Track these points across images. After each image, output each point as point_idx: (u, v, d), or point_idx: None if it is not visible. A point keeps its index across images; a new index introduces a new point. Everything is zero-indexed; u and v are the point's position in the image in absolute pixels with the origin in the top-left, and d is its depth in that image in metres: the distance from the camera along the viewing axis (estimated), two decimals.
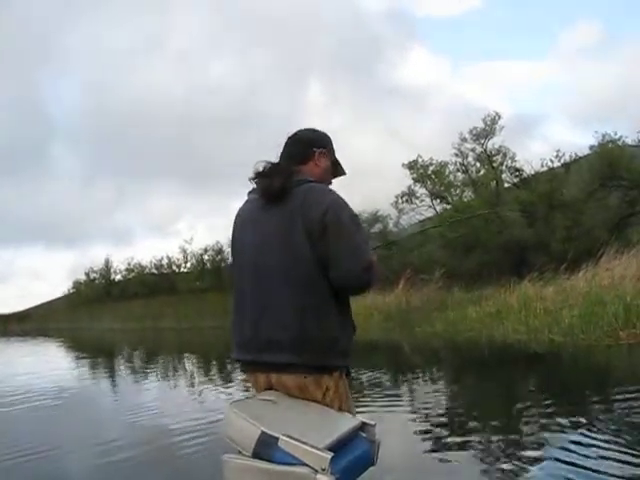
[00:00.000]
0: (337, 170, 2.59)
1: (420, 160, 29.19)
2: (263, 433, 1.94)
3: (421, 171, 29.05)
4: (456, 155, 28.65)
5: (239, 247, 2.38)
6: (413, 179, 29.49)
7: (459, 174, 29.40)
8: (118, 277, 46.49)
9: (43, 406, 8.35)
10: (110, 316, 38.79)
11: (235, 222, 2.46)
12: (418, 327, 17.25)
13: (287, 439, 1.91)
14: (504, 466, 4.35)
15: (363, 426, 2.11)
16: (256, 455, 1.93)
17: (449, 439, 5.36)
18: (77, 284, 47.82)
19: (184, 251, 40.45)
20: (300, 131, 2.52)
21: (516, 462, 4.41)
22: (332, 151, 2.55)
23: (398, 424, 6.16)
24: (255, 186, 2.40)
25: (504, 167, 27.57)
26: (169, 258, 43.29)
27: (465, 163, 28.84)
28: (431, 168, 29.05)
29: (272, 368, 2.25)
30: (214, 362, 14.45)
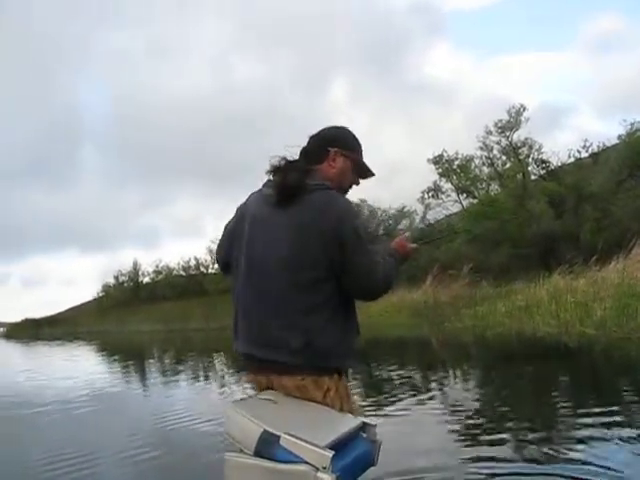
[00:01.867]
0: (363, 172, 2.51)
1: (445, 155, 29.07)
2: (265, 431, 1.95)
3: (446, 166, 28.94)
4: (481, 149, 28.47)
5: (248, 242, 2.29)
6: (439, 174, 29.41)
7: (485, 168, 29.24)
8: (146, 279, 47.00)
9: (85, 410, 8.39)
10: (139, 318, 39.15)
11: (243, 213, 2.39)
12: (447, 323, 17.15)
13: (289, 437, 1.91)
14: (538, 466, 4.26)
15: (364, 426, 2.08)
16: (258, 453, 1.94)
17: (480, 436, 5.27)
18: (106, 287, 48.38)
19: (211, 252, 40.59)
20: (323, 129, 2.45)
21: (550, 461, 4.31)
22: (356, 152, 2.45)
23: (428, 420, 6.08)
24: (270, 180, 2.36)
25: (530, 159, 27.35)
26: (197, 259, 43.61)
27: (491, 156, 28.63)
28: (456, 162, 28.93)
29: (273, 369, 2.22)
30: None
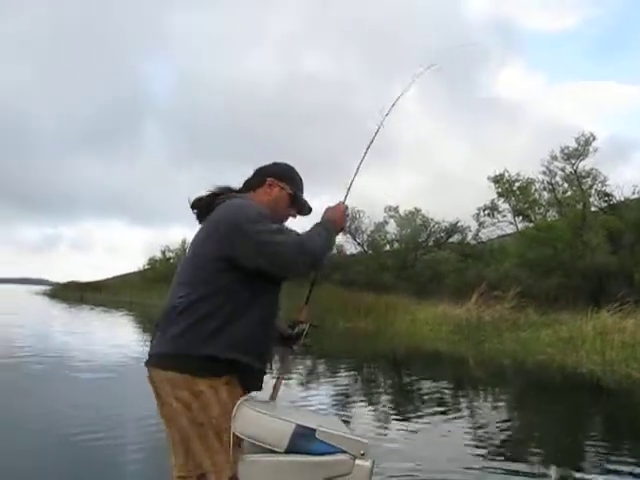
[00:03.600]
0: (300, 206, 2.59)
1: (506, 174, 28.70)
2: (298, 426, 1.96)
3: (506, 186, 28.57)
4: (544, 173, 27.99)
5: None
6: (497, 193, 29.05)
7: (545, 193, 28.74)
8: None
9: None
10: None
11: None
12: (487, 343, 16.97)
13: (324, 429, 1.95)
14: None
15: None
16: (291, 450, 1.95)
17: (503, 457, 5.24)
18: (152, 261, 49.06)
19: None
20: (265, 164, 2.59)
21: None
22: (294, 185, 2.55)
23: (450, 439, 6.06)
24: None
25: (593, 190, 26.78)
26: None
27: (552, 182, 28.14)
28: (517, 184, 28.55)
29: (153, 362, 2.25)
30: None
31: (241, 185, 2.56)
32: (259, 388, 2.31)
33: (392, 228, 35.35)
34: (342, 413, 7.06)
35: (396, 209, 34.96)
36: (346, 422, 2.07)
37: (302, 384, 9.17)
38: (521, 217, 29.03)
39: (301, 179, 2.60)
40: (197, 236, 2.37)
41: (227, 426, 2.08)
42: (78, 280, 55.07)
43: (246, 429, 2.01)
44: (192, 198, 2.47)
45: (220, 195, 2.43)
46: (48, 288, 60.83)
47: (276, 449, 1.96)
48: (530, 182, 28.54)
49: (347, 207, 2.54)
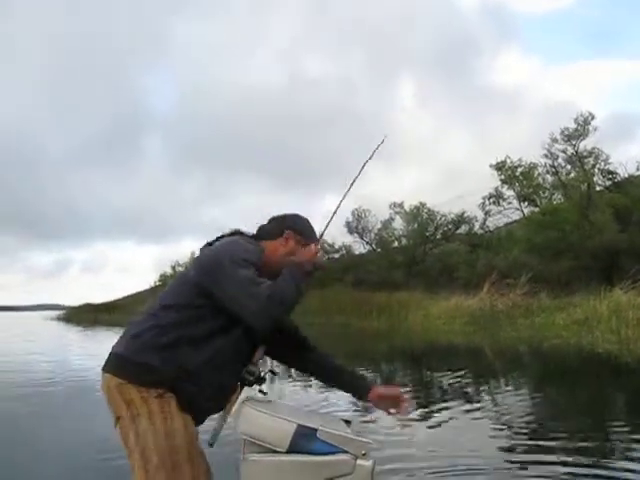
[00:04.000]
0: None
1: (508, 161, 28.63)
2: (300, 426, 1.96)
3: (509, 172, 28.49)
4: (546, 156, 27.94)
5: None
6: (501, 180, 28.97)
7: (548, 176, 28.68)
8: None
9: None
10: None
11: None
12: (502, 332, 16.92)
13: (326, 429, 1.96)
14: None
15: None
16: (292, 449, 1.95)
17: (526, 446, 5.20)
18: (163, 277, 49.16)
19: None
20: (286, 214, 2.55)
21: (596, 475, 4.24)
22: (310, 241, 2.45)
23: (474, 427, 6.03)
24: None
25: (596, 170, 26.71)
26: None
27: (555, 165, 28.07)
28: (520, 169, 28.47)
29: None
30: None
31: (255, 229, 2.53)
32: (199, 422, 2.21)
33: (399, 224, 35.37)
34: (363, 411, 7.05)
35: (401, 205, 34.97)
36: (346, 422, 2.04)
37: (321, 385, 9.15)
38: (527, 202, 28.95)
39: (315, 232, 2.54)
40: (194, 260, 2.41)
41: (155, 446, 2.00)
42: (91, 302, 55.28)
43: (248, 429, 2.01)
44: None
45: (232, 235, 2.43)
46: (62, 312, 61.02)
47: (277, 449, 1.96)
48: (533, 167, 28.47)
49: (319, 249, 2.46)
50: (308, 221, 2.56)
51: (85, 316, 47.89)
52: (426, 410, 7.17)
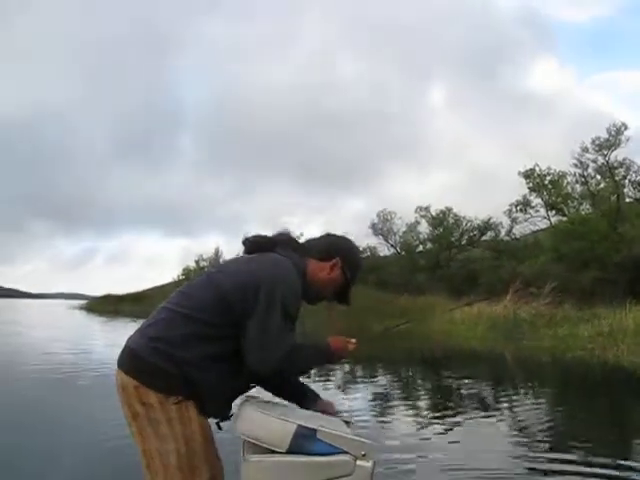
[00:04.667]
0: (344, 297, 2.44)
1: (537, 169, 28.41)
2: (300, 427, 1.96)
3: (538, 180, 28.26)
4: (575, 166, 27.68)
5: None
6: (529, 188, 28.76)
7: (577, 186, 28.39)
8: None
9: None
10: None
11: None
12: (525, 340, 16.82)
13: (326, 430, 1.96)
14: None
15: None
16: (292, 450, 1.95)
17: (544, 460, 5.17)
18: (186, 271, 49.33)
19: None
20: (342, 237, 2.47)
21: None
22: (354, 274, 2.39)
23: (493, 436, 6.03)
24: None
25: (627, 181, 26.41)
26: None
27: (585, 174, 27.80)
28: (548, 178, 28.23)
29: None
30: None
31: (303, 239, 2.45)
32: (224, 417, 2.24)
33: (424, 228, 35.28)
34: (383, 414, 7.09)
35: (427, 209, 34.88)
36: (347, 423, 2.05)
37: (341, 388, 9.20)
38: (554, 211, 28.70)
39: (361, 268, 2.45)
40: (232, 263, 2.34)
41: (175, 450, 2.02)
42: (114, 293, 55.55)
43: (248, 429, 2.00)
44: (250, 233, 2.37)
45: (278, 240, 2.33)
46: (85, 302, 61.51)
47: (277, 449, 1.96)
48: (562, 175, 28.22)
49: (355, 344, 2.35)
50: (360, 255, 2.49)
51: (107, 307, 48.21)
52: (444, 416, 7.18)
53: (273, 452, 1.97)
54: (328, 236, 2.44)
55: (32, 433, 5.70)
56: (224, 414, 2.21)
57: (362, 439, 1.96)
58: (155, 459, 2.04)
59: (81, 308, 53.24)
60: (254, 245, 2.32)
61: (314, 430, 1.95)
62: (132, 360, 2.10)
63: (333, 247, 2.36)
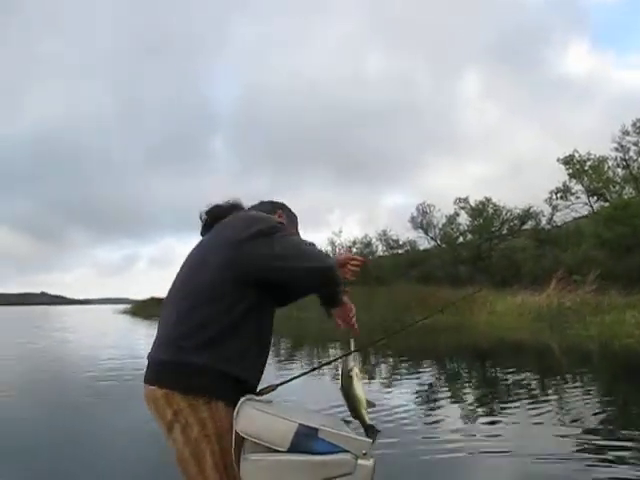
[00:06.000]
0: None
1: (577, 155, 28.01)
2: (301, 425, 1.96)
3: (578, 166, 27.87)
4: (616, 149, 27.22)
5: None
6: (569, 175, 28.38)
7: (619, 170, 27.91)
8: None
9: None
10: None
11: None
12: (570, 329, 16.65)
13: (327, 429, 1.96)
14: None
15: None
16: (293, 449, 1.94)
17: (592, 451, 5.17)
18: None
19: (332, 243, 40.64)
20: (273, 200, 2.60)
21: None
22: (295, 225, 2.57)
23: (541, 427, 6.04)
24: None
25: None
26: (344, 252, 43.85)
27: (626, 158, 27.31)
28: (589, 163, 27.82)
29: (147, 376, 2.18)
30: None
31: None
32: None
33: (464, 219, 35.06)
34: (432, 407, 7.16)
35: (466, 200, 34.65)
36: (347, 422, 2.08)
37: (386, 383, 9.27)
38: (596, 197, 28.27)
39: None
40: (207, 242, 2.31)
41: (209, 451, 2.05)
42: (157, 296, 56.18)
43: (248, 428, 1.98)
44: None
45: (234, 205, 2.41)
46: (129, 306, 62.47)
47: (278, 448, 1.95)
48: (602, 160, 27.78)
49: (361, 260, 2.49)
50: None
51: (150, 310, 48.83)
52: (492, 405, 7.23)
53: (274, 451, 1.96)
54: (262, 202, 2.56)
55: (87, 441, 5.92)
56: (257, 379, 2.20)
57: (363, 438, 1.98)
58: (190, 464, 2.05)
59: (125, 312, 54.07)
60: (214, 215, 2.38)
61: (315, 429, 1.95)
62: (156, 370, 2.13)
63: (274, 205, 2.53)
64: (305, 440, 1.94)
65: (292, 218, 2.56)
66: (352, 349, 2.32)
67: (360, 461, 1.93)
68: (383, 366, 11.30)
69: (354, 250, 39.78)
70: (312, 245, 2.19)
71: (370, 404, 2.25)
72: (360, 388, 2.24)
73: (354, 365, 2.25)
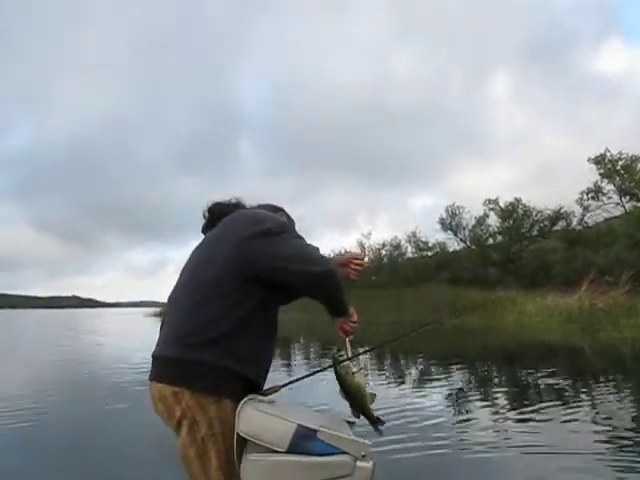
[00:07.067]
0: None
1: (608, 154, 27.66)
2: (300, 426, 1.96)
3: (609, 166, 27.52)
4: None
5: None
6: (600, 175, 28.04)
7: None
8: None
9: None
10: (286, 307, 40.16)
11: None
12: (603, 332, 16.40)
13: (326, 430, 1.96)
14: None
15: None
16: (292, 450, 1.94)
17: (625, 455, 5.09)
18: None
19: (362, 245, 40.57)
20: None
21: None
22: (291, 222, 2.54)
23: (572, 430, 5.96)
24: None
25: None
26: (346, 252, 43.84)
27: None
28: (620, 163, 27.45)
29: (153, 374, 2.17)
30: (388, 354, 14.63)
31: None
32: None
33: (493, 221, 34.82)
34: (461, 410, 7.11)
35: (496, 201, 34.41)
36: (350, 423, 2.07)
37: (417, 384, 9.24)
38: (628, 197, 27.86)
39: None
40: (211, 239, 2.29)
41: (215, 450, 2.05)
42: None
43: (247, 428, 1.99)
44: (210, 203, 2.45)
45: (237, 203, 2.43)
46: (159, 309, 63.18)
47: (277, 449, 1.95)
48: (635, 159, 27.38)
49: (362, 259, 2.52)
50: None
51: None
52: (524, 408, 7.16)
53: (273, 451, 1.96)
54: (263, 204, 2.53)
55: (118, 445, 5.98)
56: (263, 378, 2.20)
57: (362, 440, 1.97)
58: (194, 463, 2.06)
59: (155, 315, 54.57)
60: (216, 212, 2.40)
61: (314, 430, 1.96)
62: (163, 367, 2.12)
63: (272, 206, 2.50)
64: (304, 441, 1.95)
65: (291, 222, 2.54)
66: (348, 350, 2.32)
67: (359, 463, 1.95)
68: (412, 368, 11.23)
69: (383, 252, 39.74)
70: (317, 249, 2.19)
71: (372, 396, 2.25)
72: (361, 383, 2.25)
73: (349, 363, 2.26)
